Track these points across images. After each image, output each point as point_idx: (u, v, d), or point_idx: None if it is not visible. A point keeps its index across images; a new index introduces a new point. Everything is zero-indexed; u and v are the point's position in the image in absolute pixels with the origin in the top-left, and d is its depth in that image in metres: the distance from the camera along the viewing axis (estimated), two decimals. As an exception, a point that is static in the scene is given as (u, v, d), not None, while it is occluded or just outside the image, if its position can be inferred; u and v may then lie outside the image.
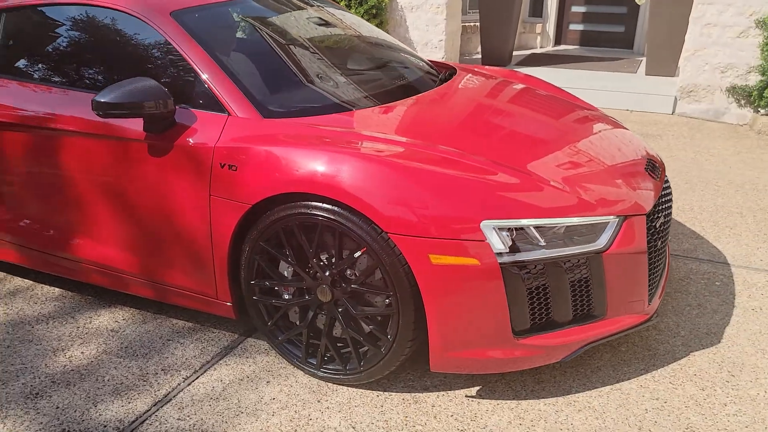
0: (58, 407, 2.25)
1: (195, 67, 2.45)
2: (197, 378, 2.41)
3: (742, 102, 6.11)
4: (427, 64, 3.41)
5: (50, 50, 2.76)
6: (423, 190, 2.02)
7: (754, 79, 5.99)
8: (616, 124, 2.90)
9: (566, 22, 9.30)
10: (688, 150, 5.11)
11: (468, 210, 2.01)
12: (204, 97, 2.42)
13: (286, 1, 3.20)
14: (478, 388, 2.34)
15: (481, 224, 2.00)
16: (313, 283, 2.28)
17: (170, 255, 2.51)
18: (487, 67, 3.62)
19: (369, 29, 3.42)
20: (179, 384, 2.38)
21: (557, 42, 9.43)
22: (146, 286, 2.65)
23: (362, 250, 2.12)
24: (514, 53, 8.72)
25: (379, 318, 2.22)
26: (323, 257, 2.24)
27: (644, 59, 8.29)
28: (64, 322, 2.77)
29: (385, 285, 2.14)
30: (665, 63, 7.15)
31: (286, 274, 2.35)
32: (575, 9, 9.07)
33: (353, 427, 2.15)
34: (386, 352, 2.20)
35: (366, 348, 2.29)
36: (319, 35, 3.05)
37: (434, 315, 2.06)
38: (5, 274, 3.20)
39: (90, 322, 2.78)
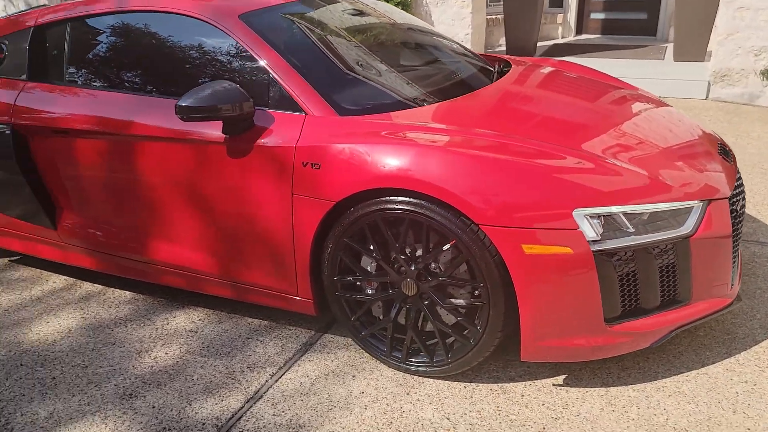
0: (154, 407, 2.29)
1: (268, 68, 2.48)
2: (283, 374, 2.45)
3: (777, 84, 6.08)
4: (481, 57, 3.43)
5: (120, 58, 2.79)
6: (515, 181, 2.04)
7: (788, 61, 5.96)
8: (677, 113, 2.90)
9: (587, 11, 9.28)
10: (728, 134, 5.10)
11: (560, 199, 2.03)
12: (279, 97, 2.45)
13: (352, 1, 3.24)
14: (563, 376, 2.36)
15: (573, 213, 2.02)
16: (398, 278, 2.31)
17: (250, 254, 2.55)
18: (535, 57, 3.62)
19: (422, 25, 3.44)
20: (267, 381, 2.41)
21: (578, 32, 9.41)
22: (224, 286, 2.69)
23: (451, 243, 2.14)
24: (537, 44, 8.70)
25: (465, 310, 2.24)
26: (409, 251, 2.26)
27: (669, 46, 8.25)
28: (142, 324, 2.82)
29: (473, 276, 2.16)
30: (694, 48, 7.12)
31: (369, 269, 2.38)
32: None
33: (447, 418, 2.18)
34: (475, 343, 2.23)
35: (453, 340, 2.31)
36: (378, 32, 3.08)
37: (527, 305, 2.08)
38: (75, 279, 3.26)
39: (167, 324, 2.82)
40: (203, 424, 2.20)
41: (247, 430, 2.16)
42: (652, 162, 2.27)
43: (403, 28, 3.27)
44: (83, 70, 2.87)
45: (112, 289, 3.15)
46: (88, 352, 2.64)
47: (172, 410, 2.27)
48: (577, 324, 2.11)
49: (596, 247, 2.04)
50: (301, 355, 2.57)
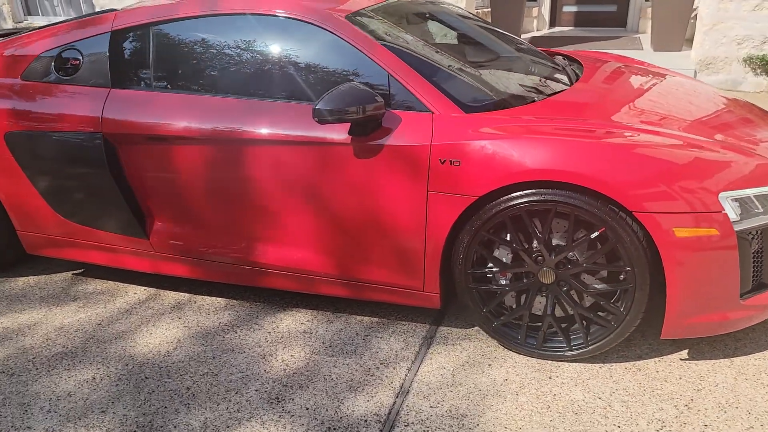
0: (307, 408, 2.30)
1: (386, 69, 2.52)
2: (419, 368, 2.50)
3: (758, 71, 6.48)
4: (556, 54, 3.56)
5: (217, 62, 2.75)
6: (666, 169, 2.17)
7: (768, 49, 6.37)
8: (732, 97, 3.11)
9: (560, 4, 9.57)
10: (730, 119, 5.41)
11: (708, 184, 2.16)
12: (401, 97, 2.49)
13: (431, 1, 3.28)
14: (686, 351, 2.51)
15: (719, 196, 2.16)
16: (536, 267, 2.40)
17: (373, 253, 2.58)
18: (590, 51, 3.78)
19: (489, 23, 3.53)
20: (406, 375, 2.46)
21: (552, 24, 9.70)
22: (340, 285, 2.71)
23: (600, 230, 2.25)
24: (521, 37, 8.92)
25: (607, 293, 2.36)
26: (554, 241, 2.36)
27: (640, 36, 8.63)
28: (252, 329, 2.80)
29: (617, 261, 2.28)
30: (673, 39, 7.47)
31: (505, 260, 2.46)
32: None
33: (599, 398, 2.29)
34: (617, 325, 2.35)
35: (592, 323, 2.42)
36: (466, 32, 3.15)
37: (674, 285, 2.21)
38: (154, 289, 3.19)
39: (277, 327, 2.81)
40: (365, 421, 2.23)
41: (411, 423, 2.21)
42: (758, 145, 2.44)
43: (483, 27, 3.35)
44: (175, 76, 2.81)
45: (200, 296, 3.10)
46: (210, 360, 2.61)
47: (327, 410, 2.29)
48: (716, 300, 2.26)
49: (737, 228, 2.19)
50: (427, 349, 2.62)
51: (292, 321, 2.86)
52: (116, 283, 3.26)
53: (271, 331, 2.79)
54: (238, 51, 2.76)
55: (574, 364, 2.48)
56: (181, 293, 3.14)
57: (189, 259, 2.91)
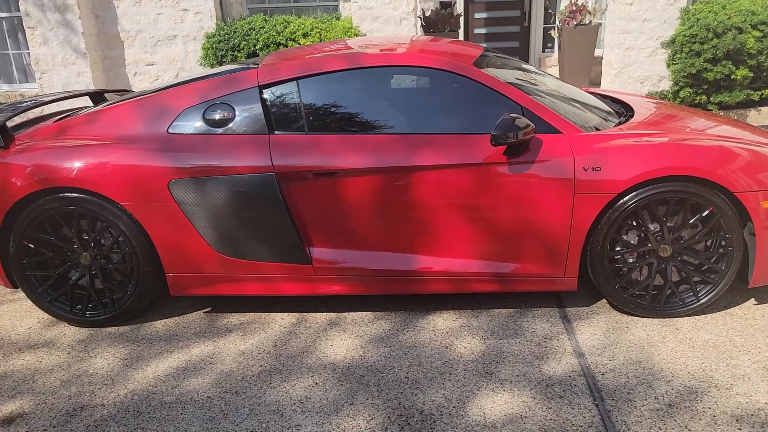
0: (517, 375, 2.82)
1: (518, 102, 3.19)
2: (577, 337, 3.11)
3: (658, 104, 7.93)
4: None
5: (373, 106, 3.27)
6: (753, 161, 3.02)
7: (664, 85, 7.86)
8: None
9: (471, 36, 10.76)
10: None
11: (778, 168, 3.06)
12: (535, 124, 3.17)
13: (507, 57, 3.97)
14: (752, 298, 3.37)
15: (785, 177, 3.06)
16: (657, 244, 3.14)
17: (523, 251, 3.19)
18: (596, 89, 4.71)
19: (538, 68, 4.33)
20: (571, 343, 3.06)
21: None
22: (490, 282, 3.27)
23: (709, 209, 3.04)
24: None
25: (714, 257, 3.14)
26: (669, 222, 3.12)
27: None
28: (416, 330, 3.25)
29: (719, 231, 3.08)
30: (580, 79, 8.87)
31: (632, 242, 3.18)
32: (477, 31, 10.53)
33: (720, 335, 3.04)
34: (719, 281, 3.14)
35: (700, 283, 3.19)
36: (545, 78, 3.90)
37: (762, 244, 3.05)
38: (300, 314, 3.51)
39: (435, 326, 3.29)
40: (569, 376, 2.80)
41: (605, 372, 2.81)
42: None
43: (539, 72, 4.13)
44: (328, 120, 3.27)
45: (345, 313, 3.48)
46: (402, 355, 3.02)
47: (534, 374, 2.83)
48: (789, 254, 3.13)
49: (797, 197, 3.10)
50: (570, 324, 3.24)
51: (444, 320, 3.35)
52: (255, 314, 3.54)
53: (434, 329, 3.26)
54: (386, 96, 3.29)
55: (686, 318, 3.23)
56: (325, 313, 3.50)
57: (348, 277, 3.31)
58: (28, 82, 8.69)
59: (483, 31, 10.58)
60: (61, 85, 8.22)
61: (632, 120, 3.49)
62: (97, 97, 4.41)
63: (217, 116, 3.29)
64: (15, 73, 8.66)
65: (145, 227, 3.23)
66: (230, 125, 3.28)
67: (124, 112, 3.38)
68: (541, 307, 3.44)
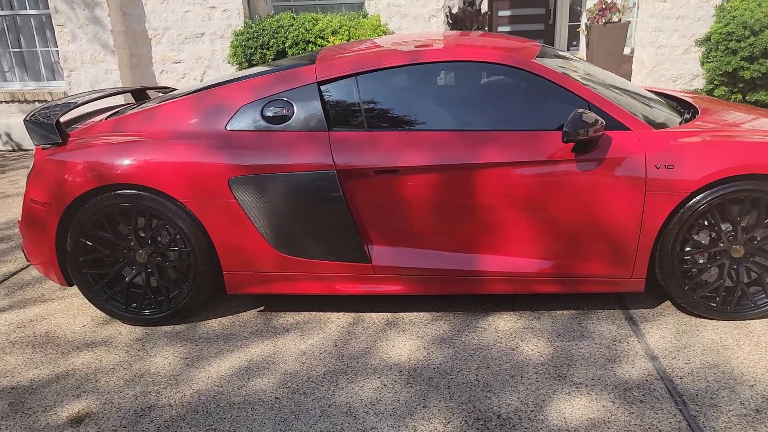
0: (592, 378, 2.75)
1: (584, 98, 3.11)
2: (647, 340, 3.03)
3: (691, 103, 7.84)
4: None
5: (435, 102, 3.20)
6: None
7: (697, 84, 7.76)
8: None
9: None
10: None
11: None
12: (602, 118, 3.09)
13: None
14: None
15: None
16: (729, 245, 3.06)
17: (590, 250, 3.11)
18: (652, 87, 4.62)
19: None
20: (641, 346, 2.99)
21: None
22: (554, 283, 3.19)
23: (778, 207, 2.97)
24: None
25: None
26: (742, 223, 3.04)
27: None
28: (477, 332, 3.18)
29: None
30: (610, 80, 8.77)
31: (703, 242, 3.09)
32: (501, 29, 10.47)
33: (797, 338, 2.97)
34: (792, 279, 3.07)
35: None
36: (603, 74, 3.83)
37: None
38: (355, 313, 3.45)
39: (496, 328, 3.22)
40: (645, 380, 2.72)
41: (682, 376, 2.74)
42: None
43: (597, 68, 4.05)
44: (388, 116, 3.20)
45: (402, 313, 3.42)
46: (468, 357, 2.96)
47: (610, 378, 2.75)
48: None
49: None
50: (637, 327, 3.17)
51: (504, 322, 3.28)
52: (309, 313, 3.48)
53: (496, 331, 3.19)
54: (447, 92, 3.23)
55: (758, 321, 3.14)
56: (381, 313, 3.44)
57: (407, 277, 3.25)
58: (55, 80, 8.66)
59: (507, 28, 10.50)
60: (89, 83, 8.19)
61: (698, 117, 3.40)
62: (139, 94, 4.37)
63: (275, 113, 3.23)
64: (43, 70, 8.64)
65: (204, 225, 3.17)
66: (289, 122, 3.22)
67: (180, 109, 3.32)
68: (604, 308, 3.37)
